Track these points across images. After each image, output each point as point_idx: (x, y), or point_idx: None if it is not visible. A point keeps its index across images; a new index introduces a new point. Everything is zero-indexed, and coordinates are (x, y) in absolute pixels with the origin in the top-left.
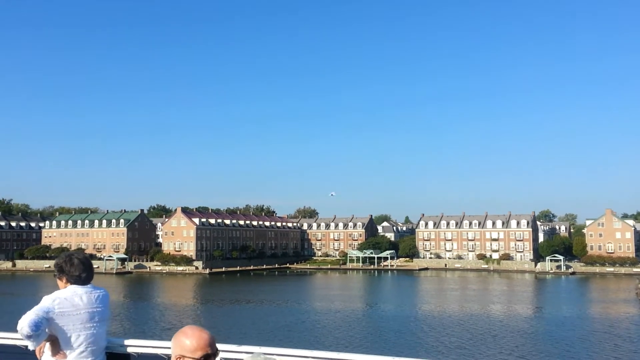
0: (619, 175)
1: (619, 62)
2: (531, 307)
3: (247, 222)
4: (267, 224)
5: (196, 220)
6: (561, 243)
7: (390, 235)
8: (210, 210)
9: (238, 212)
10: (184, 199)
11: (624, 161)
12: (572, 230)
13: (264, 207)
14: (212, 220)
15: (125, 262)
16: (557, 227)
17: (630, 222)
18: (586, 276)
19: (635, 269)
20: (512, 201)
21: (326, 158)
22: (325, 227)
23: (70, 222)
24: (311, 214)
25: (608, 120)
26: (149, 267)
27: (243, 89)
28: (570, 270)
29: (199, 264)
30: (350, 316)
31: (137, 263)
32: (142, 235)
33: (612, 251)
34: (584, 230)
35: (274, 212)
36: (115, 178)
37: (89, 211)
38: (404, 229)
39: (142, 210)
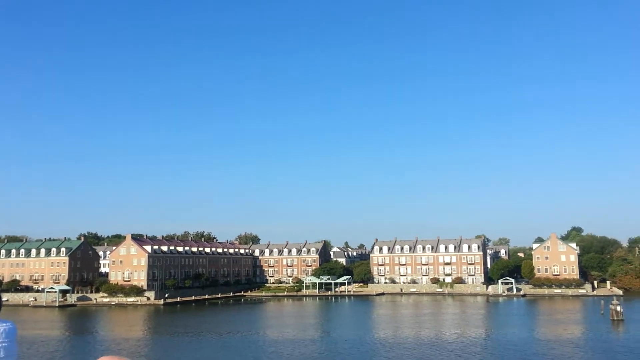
0: (544, 199)
1: (553, 90)
2: (493, 330)
3: (200, 249)
4: (219, 250)
5: (148, 247)
6: (506, 266)
7: (342, 261)
8: (162, 237)
9: (190, 238)
10: (115, 227)
11: (551, 187)
12: (510, 254)
13: (204, 234)
14: (165, 248)
15: (68, 294)
16: (498, 251)
17: (573, 245)
18: (535, 298)
19: (580, 290)
20: (444, 226)
21: (262, 183)
22: (278, 253)
23: (2, 251)
24: (253, 239)
25: (539, 148)
26: (95, 299)
27: (166, 114)
28: (521, 293)
29: (151, 294)
30: (309, 345)
31: (80, 295)
32: (84, 264)
33: (558, 273)
34: (532, 253)
35: (214, 238)
36: (41, 205)
37: (25, 239)
38: (354, 254)
39: (84, 238)
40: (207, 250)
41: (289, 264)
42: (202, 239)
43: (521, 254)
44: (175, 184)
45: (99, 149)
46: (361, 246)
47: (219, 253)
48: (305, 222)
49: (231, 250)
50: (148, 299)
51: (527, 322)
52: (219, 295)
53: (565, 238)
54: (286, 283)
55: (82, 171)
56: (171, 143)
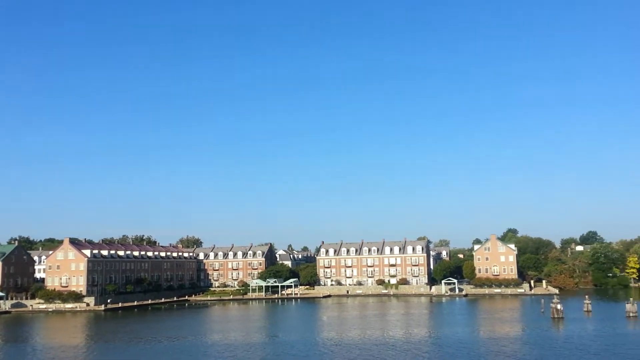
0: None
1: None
2: (441, 329)
3: (142, 253)
4: (162, 254)
5: (87, 252)
6: (448, 267)
7: (288, 263)
8: (101, 241)
9: (131, 242)
10: (48, 231)
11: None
12: (450, 255)
13: (144, 237)
14: (105, 252)
15: (2, 301)
16: (440, 252)
17: (512, 245)
18: (477, 297)
19: (519, 290)
20: (387, 229)
21: (203, 186)
22: (223, 257)
23: None
24: (195, 243)
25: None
26: (31, 306)
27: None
28: (464, 293)
29: (91, 300)
30: (256, 349)
31: (15, 301)
32: (19, 269)
33: (498, 273)
34: (474, 254)
35: (155, 242)
36: None
37: None
38: (300, 257)
39: (18, 242)
40: (150, 254)
41: (234, 267)
42: (144, 243)
43: (461, 255)
44: (111, 188)
45: (24, 152)
46: (305, 249)
47: (161, 257)
48: (247, 225)
49: (174, 254)
50: (88, 305)
51: (472, 321)
52: (163, 300)
53: (502, 239)
54: (231, 287)
55: (9, 174)
56: (105, 146)
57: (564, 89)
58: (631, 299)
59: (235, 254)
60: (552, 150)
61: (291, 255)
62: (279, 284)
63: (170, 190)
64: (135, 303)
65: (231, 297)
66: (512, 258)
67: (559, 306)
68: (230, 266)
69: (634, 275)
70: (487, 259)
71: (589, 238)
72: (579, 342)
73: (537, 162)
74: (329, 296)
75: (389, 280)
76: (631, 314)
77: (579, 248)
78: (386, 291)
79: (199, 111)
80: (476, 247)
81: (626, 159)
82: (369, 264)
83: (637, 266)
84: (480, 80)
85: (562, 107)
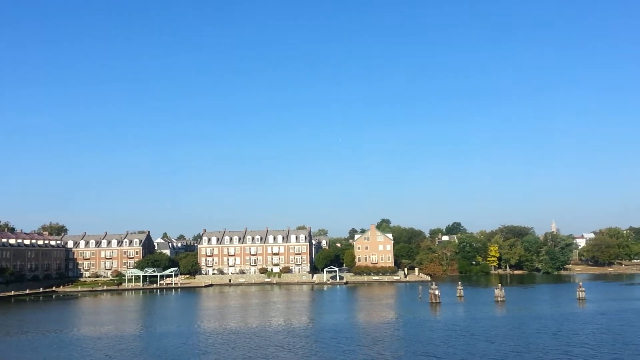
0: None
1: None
2: (325, 316)
3: (3, 240)
4: (26, 242)
5: None
6: (328, 256)
7: (167, 252)
8: None
9: None
10: None
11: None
12: (329, 244)
13: (1, 223)
14: None
15: None
16: (320, 242)
17: (390, 235)
18: (356, 285)
19: (395, 277)
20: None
21: (72, 168)
22: (96, 245)
23: None
24: (60, 230)
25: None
26: None
27: None
28: (344, 280)
29: None
30: (127, 341)
31: None
32: None
33: (376, 262)
34: (354, 243)
35: (13, 228)
36: None
37: None
38: (179, 245)
39: None
40: (12, 241)
41: (107, 257)
42: (5, 229)
43: (339, 244)
44: None
45: None
46: (181, 237)
47: (25, 245)
48: (119, 212)
49: (40, 242)
50: None
51: (357, 307)
52: (27, 291)
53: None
54: (104, 277)
55: None
56: None
57: (439, 82)
58: (499, 284)
59: (109, 242)
60: (418, 146)
61: (170, 244)
62: (158, 274)
63: (22, 172)
64: None
65: (104, 287)
66: (389, 247)
67: (436, 292)
68: (103, 255)
69: (494, 263)
70: (366, 247)
71: (454, 229)
72: (463, 325)
73: (405, 156)
74: (211, 285)
75: (272, 269)
76: (499, 299)
77: (445, 238)
78: (269, 280)
79: (59, 94)
80: (356, 236)
81: (485, 156)
82: (252, 253)
83: (497, 255)
84: (355, 71)
85: (429, 102)
